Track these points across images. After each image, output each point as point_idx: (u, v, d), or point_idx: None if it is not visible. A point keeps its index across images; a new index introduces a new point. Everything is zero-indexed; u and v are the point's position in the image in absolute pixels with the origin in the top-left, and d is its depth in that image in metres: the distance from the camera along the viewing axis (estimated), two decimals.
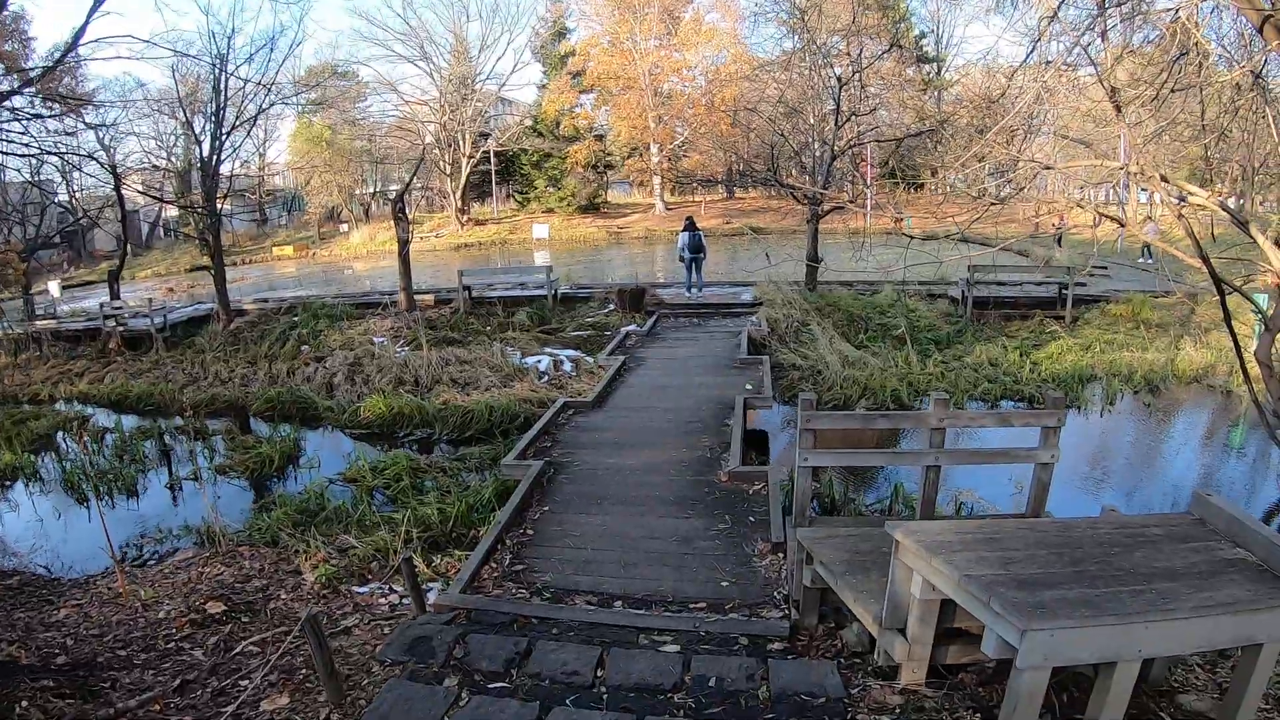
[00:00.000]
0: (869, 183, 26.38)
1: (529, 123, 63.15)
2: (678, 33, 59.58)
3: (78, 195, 50.39)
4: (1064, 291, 18.90)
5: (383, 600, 7.43)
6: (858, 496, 9.26)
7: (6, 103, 13.69)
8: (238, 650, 6.48)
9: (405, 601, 7.01)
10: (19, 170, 37.69)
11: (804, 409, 6.26)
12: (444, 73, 60.66)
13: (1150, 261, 27.49)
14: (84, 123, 38.52)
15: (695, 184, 63.97)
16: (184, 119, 26.20)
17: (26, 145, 15.58)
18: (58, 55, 14.47)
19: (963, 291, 19.12)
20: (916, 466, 7.05)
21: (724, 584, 6.62)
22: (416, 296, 23.15)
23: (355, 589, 7.72)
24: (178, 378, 18.43)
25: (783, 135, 19.61)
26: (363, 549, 8.32)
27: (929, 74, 60.83)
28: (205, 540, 9.44)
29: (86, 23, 11.60)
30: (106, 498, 11.87)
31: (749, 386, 12.69)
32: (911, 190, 56.56)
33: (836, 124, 18.72)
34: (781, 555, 6.90)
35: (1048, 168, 8.63)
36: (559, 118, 60.46)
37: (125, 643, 6.99)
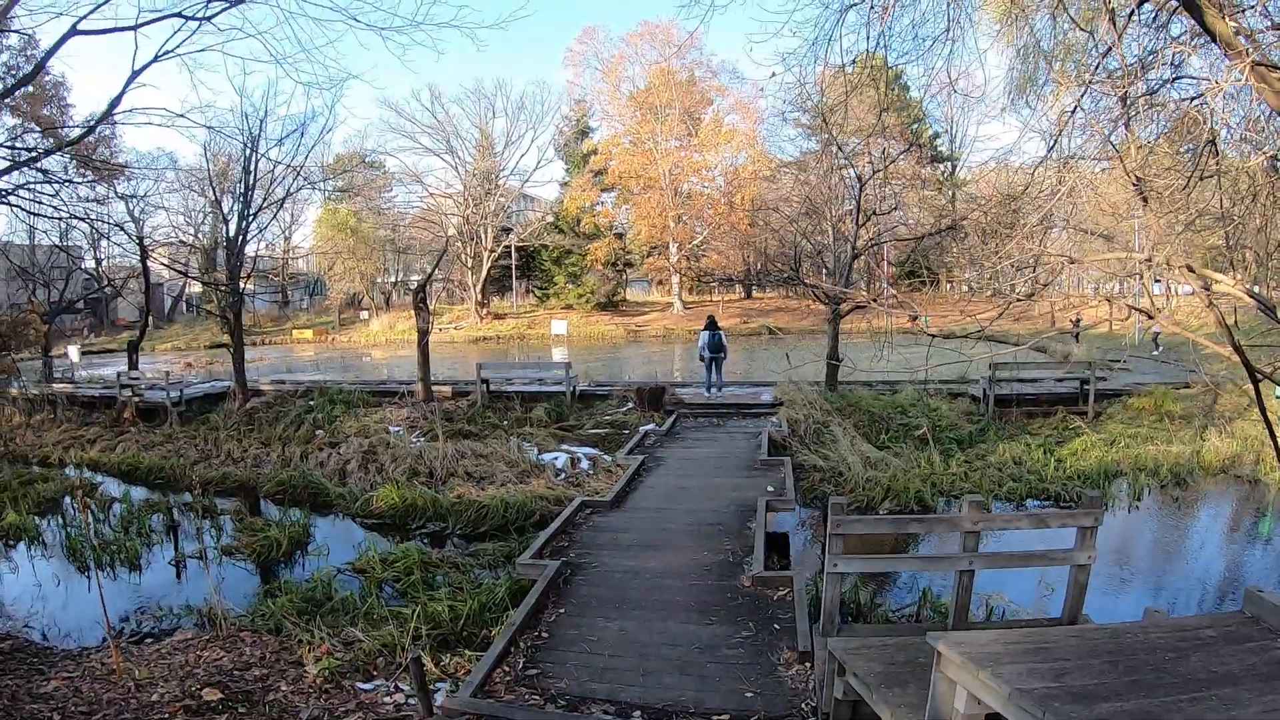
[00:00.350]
0: (888, 282, 26.41)
1: (550, 219, 64.10)
2: (698, 134, 60.62)
3: (104, 264, 51.14)
4: (1085, 387, 18.75)
5: (387, 699, 7.14)
6: (884, 601, 8.95)
7: (40, 165, 13.87)
8: None
9: (411, 702, 6.72)
10: (47, 233, 38.34)
11: (834, 514, 6.05)
12: (469, 167, 61.90)
13: (1161, 352, 27.74)
14: (115, 193, 39.31)
15: (714, 283, 64.44)
16: (213, 197, 26.51)
17: (56, 209, 15.71)
18: (93, 121, 14.54)
19: (984, 389, 18.89)
20: (950, 572, 6.78)
21: (748, 695, 6.31)
22: (434, 388, 23.04)
23: (359, 685, 7.45)
24: (190, 453, 18.39)
25: (804, 235, 19.62)
26: (369, 643, 8.06)
27: (944, 173, 61.65)
28: (206, 622, 9.27)
29: (123, 91, 11.71)
30: (108, 568, 11.72)
31: (770, 488, 12.42)
32: (928, 289, 56.86)
33: (857, 223, 18.77)
34: (808, 665, 6.60)
35: (1072, 260, 8.49)
36: (580, 215, 61.34)
37: None
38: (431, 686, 7.25)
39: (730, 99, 63.47)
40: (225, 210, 25.06)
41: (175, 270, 50.70)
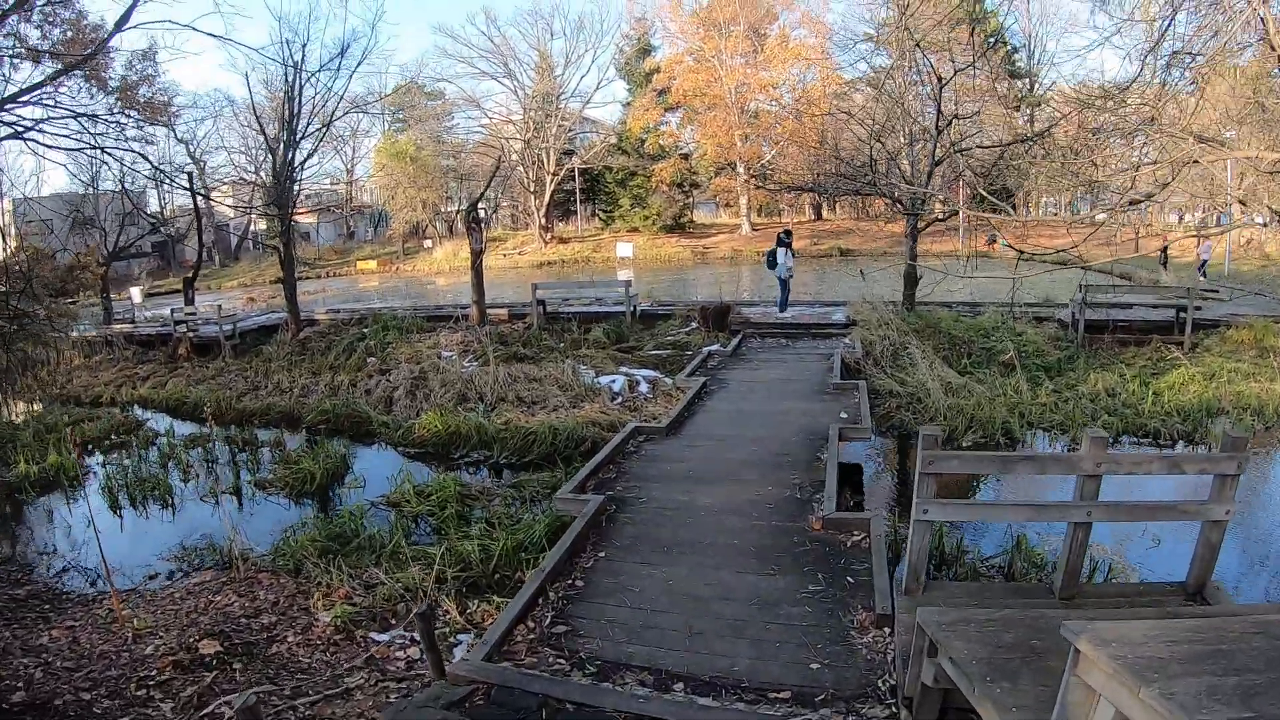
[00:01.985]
0: (961, 203, 24.75)
1: (613, 140, 62.50)
2: (764, 49, 58.30)
3: (168, 208, 51.32)
4: (1182, 315, 17.06)
5: (400, 654, 6.33)
6: (968, 547, 7.77)
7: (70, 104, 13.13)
8: (209, 710, 5.42)
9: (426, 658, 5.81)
10: (104, 179, 38.46)
11: (925, 448, 4.91)
12: (528, 90, 60.46)
13: (1206, 280, 26.11)
14: (175, 134, 39.44)
15: (782, 204, 62.26)
16: (257, 127, 25.71)
17: (95, 146, 15.13)
18: (106, 36, 13.70)
19: (1073, 314, 17.39)
20: (1062, 523, 5.60)
21: (814, 666, 5.24)
22: (490, 310, 22.25)
23: (374, 635, 6.68)
24: (238, 385, 18.00)
25: (880, 140, 18.05)
26: (389, 587, 7.22)
27: (1022, 90, 58.51)
28: (227, 563, 8.60)
29: (133, 5, 10.63)
30: (140, 507, 11.29)
31: (843, 415, 11.21)
32: (1003, 214, 54.35)
33: (936, 127, 17.18)
34: (887, 631, 5.51)
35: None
36: (644, 135, 59.72)
37: (95, 682, 6.23)
38: (452, 639, 6.40)
39: (797, 13, 60.78)
40: (271, 140, 24.24)
41: (227, 206, 50.97)
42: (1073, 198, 57.97)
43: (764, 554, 6.82)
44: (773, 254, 20.04)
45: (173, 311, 24.27)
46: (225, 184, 50.22)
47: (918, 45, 17.21)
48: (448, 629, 6.55)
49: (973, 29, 47.43)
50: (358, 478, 11.59)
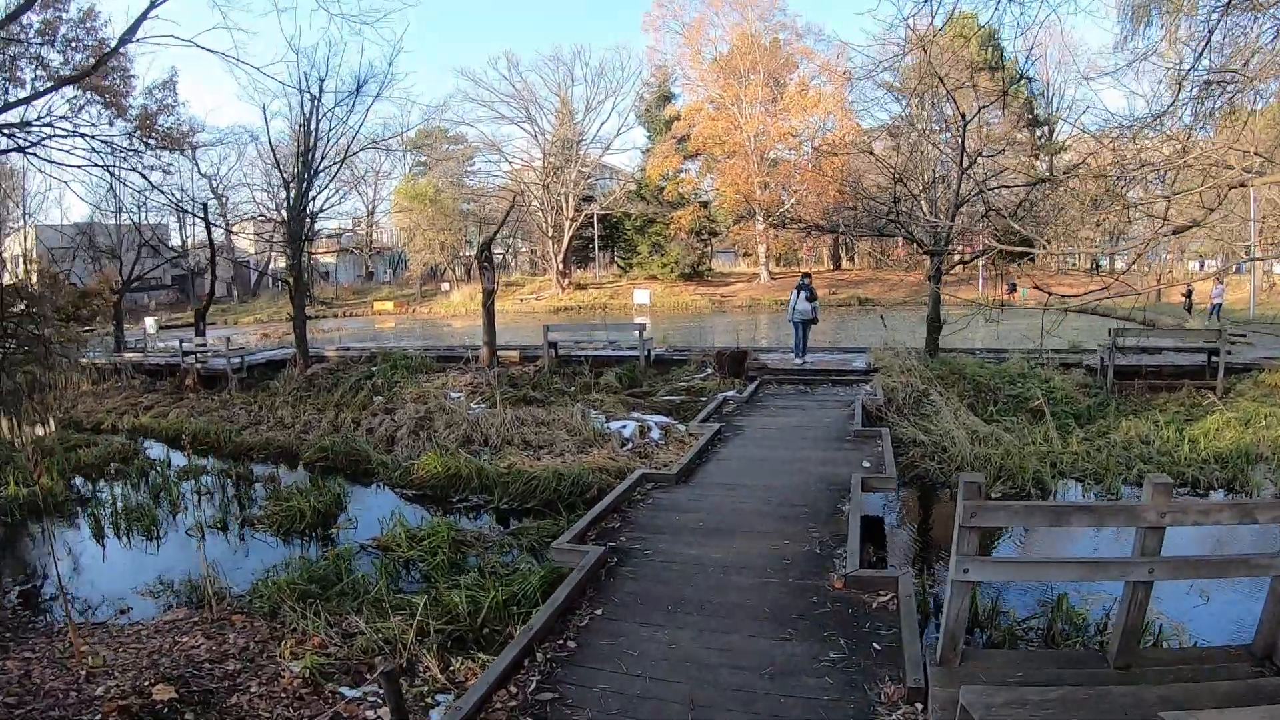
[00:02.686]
0: (981, 250, 24.31)
1: (632, 187, 62.61)
2: (783, 98, 58.38)
3: (189, 241, 51.56)
4: (1214, 359, 16.65)
5: (369, 714, 5.72)
6: (1008, 608, 7.06)
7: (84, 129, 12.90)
8: None
9: None
10: (128, 213, 38.83)
11: (967, 497, 4.29)
12: (548, 135, 60.72)
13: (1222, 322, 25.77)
14: (199, 169, 39.58)
15: (806, 233, 61.63)
16: (273, 159, 25.55)
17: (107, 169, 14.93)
18: (106, 51, 13.51)
19: (1102, 360, 16.98)
20: (1119, 582, 4.95)
21: None
22: (501, 352, 21.78)
23: (343, 691, 6.05)
24: (240, 418, 17.63)
25: (902, 181, 17.54)
26: (368, 638, 6.58)
27: (1040, 138, 58.20)
28: (202, 601, 8.00)
29: (141, 17, 10.31)
30: (125, 537, 10.84)
31: (866, 464, 10.58)
32: (1018, 263, 53.90)
33: (960, 165, 16.65)
34: (920, 708, 4.81)
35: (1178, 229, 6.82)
36: (663, 182, 59.85)
37: None
38: (430, 700, 5.76)
39: (816, 62, 61.05)
40: (287, 177, 24.10)
41: (244, 239, 50.93)
42: (1092, 247, 57.56)
43: (779, 615, 6.13)
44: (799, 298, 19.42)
45: (181, 342, 24.09)
46: (246, 220, 50.34)
47: (941, 81, 16.68)
48: (426, 688, 5.91)
49: (992, 74, 47.37)
50: (351, 518, 10.99)
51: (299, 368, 22.28)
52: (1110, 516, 4.94)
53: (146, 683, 6.04)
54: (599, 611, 6.26)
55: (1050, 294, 9.78)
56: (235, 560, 9.65)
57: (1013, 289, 50.39)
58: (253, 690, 6.14)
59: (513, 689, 5.17)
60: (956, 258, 17.19)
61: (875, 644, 5.65)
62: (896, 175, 17.58)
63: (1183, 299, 35.49)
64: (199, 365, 22.63)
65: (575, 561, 7.05)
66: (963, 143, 16.64)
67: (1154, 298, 38.76)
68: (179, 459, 14.91)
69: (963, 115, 16.51)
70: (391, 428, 15.23)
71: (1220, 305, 32.69)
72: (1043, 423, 13.38)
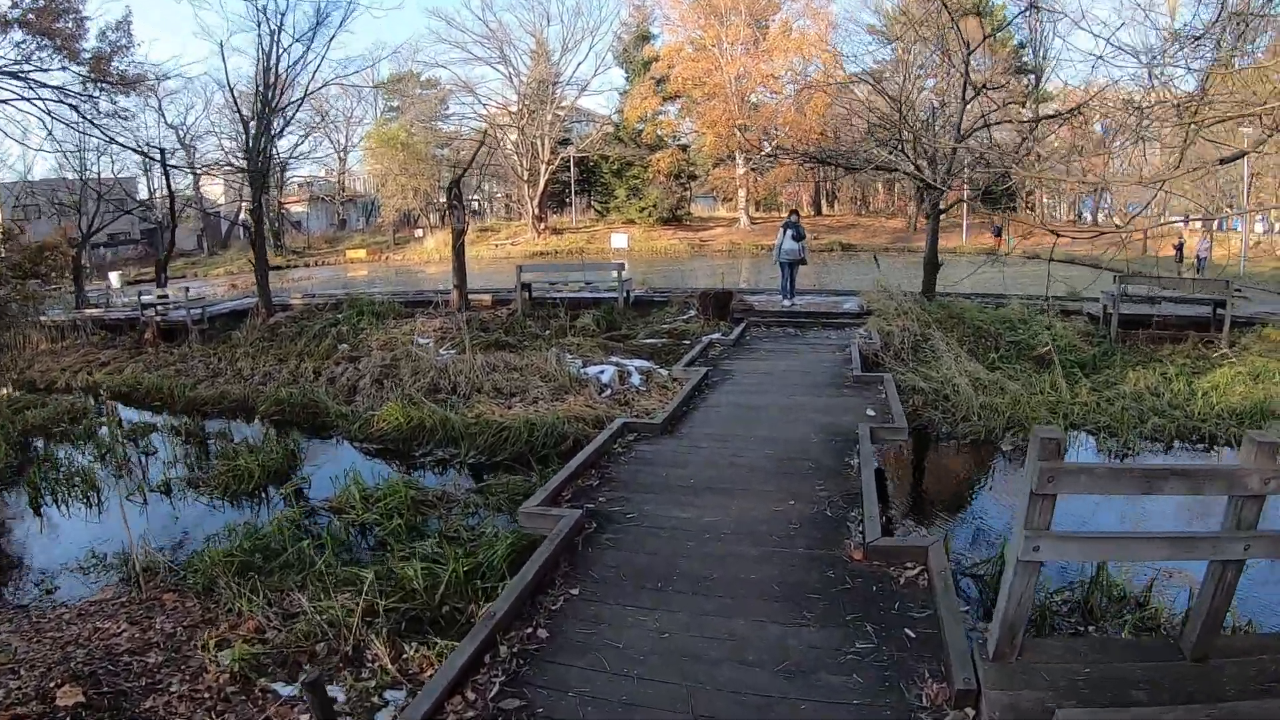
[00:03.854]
0: (968, 194, 23.45)
1: (609, 129, 61.19)
2: (766, 39, 56.97)
3: (157, 194, 50.12)
4: (1219, 312, 15.97)
5: (304, 718, 4.73)
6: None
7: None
8: None
9: None
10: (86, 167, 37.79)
11: (1043, 458, 3.38)
12: (523, 76, 59.08)
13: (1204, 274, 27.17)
14: (164, 117, 38.18)
15: (799, 163, 60.59)
16: (231, 99, 24.23)
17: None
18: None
19: (1105, 308, 16.35)
20: (1208, 560, 4.07)
21: None
22: (473, 296, 20.77)
23: (276, 687, 5.11)
24: (197, 371, 16.52)
25: (900, 111, 16.56)
26: (309, 620, 5.61)
27: (1028, 85, 57.12)
28: (133, 578, 7.01)
29: None
30: (64, 507, 9.72)
31: (870, 412, 9.64)
32: (1001, 210, 53.50)
33: (963, 99, 15.66)
34: (971, 714, 3.90)
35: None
36: (641, 125, 58.49)
37: None
38: (377, 699, 4.84)
39: (800, 3, 59.39)
40: (246, 114, 22.79)
41: (213, 189, 49.25)
42: (1077, 200, 56.96)
43: (790, 594, 5.16)
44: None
45: (140, 295, 23.15)
46: (211, 168, 48.86)
47: (945, 6, 15.58)
48: (374, 682, 4.97)
49: (979, 19, 46.18)
50: (305, 476, 9.95)
51: (261, 317, 21.19)
52: (1208, 482, 4.02)
53: (53, 683, 5.12)
54: (575, 590, 5.27)
55: (1059, 235, 9.14)
56: (176, 528, 8.68)
57: (998, 233, 49.90)
58: (173, 689, 5.20)
59: (470, 695, 4.17)
60: (951, 199, 16.21)
61: (909, 630, 4.70)
62: (900, 103, 16.57)
63: (1174, 251, 35.08)
64: (159, 318, 21.59)
65: (547, 528, 6.08)
66: (966, 72, 15.63)
67: (1142, 249, 38.62)
68: (133, 415, 14.16)
69: (966, 44, 15.50)
70: (355, 377, 14.22)
71: (1205, 260, 32.26)
72: (1048, 371, 12.70)
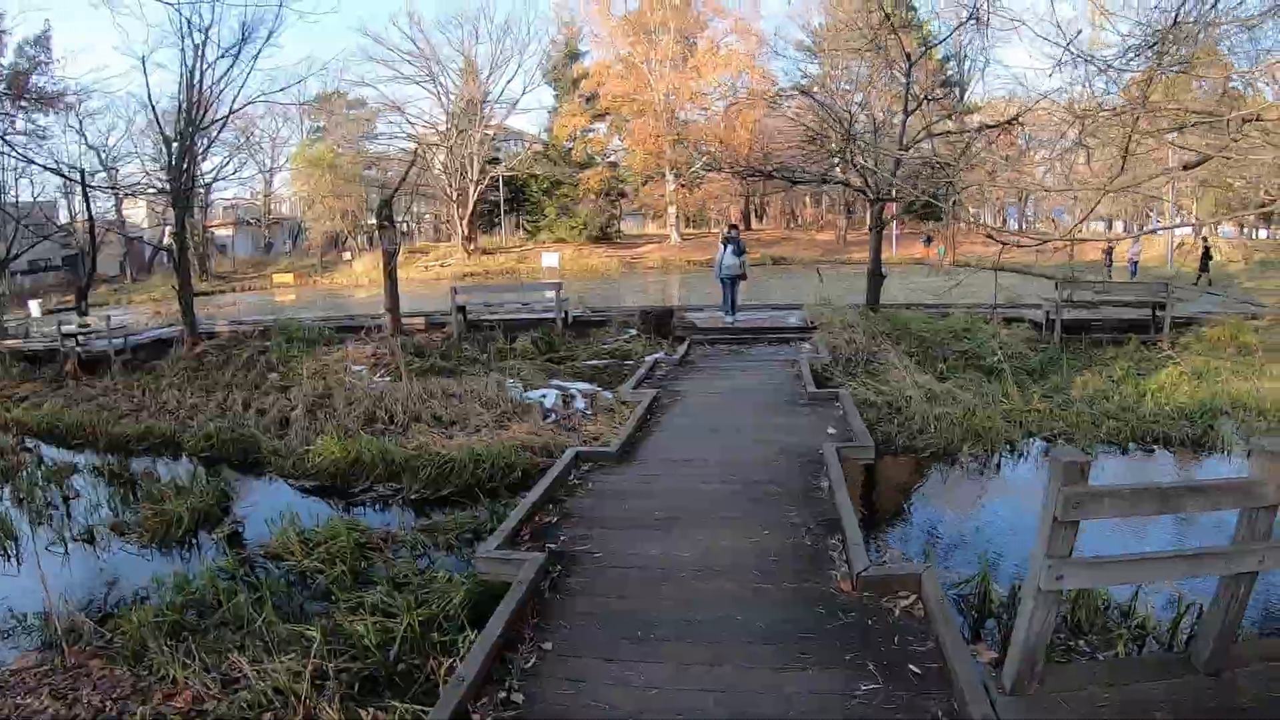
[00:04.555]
0: (895, 214, 23.61)
1: (539, 147, 60.91)
2: (694, 56, 57.22)
3: (78, 218, 48.66)
4: (1159, 314, 16.55)
5: None
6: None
7: None
8: None
9: None
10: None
11: (1066, 482, 3.10)
12: (451, 95, 58.49)
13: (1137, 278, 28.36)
14: (85, 138, 36.96)
15: (742, 178, 60.86)
16: (152, 115, 23.30)
17: None
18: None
19: (1047, 314, 16.71)
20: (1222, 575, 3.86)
21: None
22: (406, 320, 20.11)
23: None
24: (120, 405, 15.68)
25: (842, 120, 16.50)
26: (252, 689, 5.07)
27: (954, 99, 58.22)
28: (55, 642, 6.35)
29: None
30: None
31: (831, 430, 9.36)
32: (929, 222, 54.33)
33: (905, 110, 15.63)
34: None
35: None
36: (570, 142, 58.32)
37: None
38: None
39: (728, 20, 59.82)
40: (168, 132, 21.92)
41: (135, 211, 47.73)
42: (1002, 207, 58.12)
43: (782, 635, 4.77)
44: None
45: (60, 324, 21.91)
46: (134, 189, 47.37)
47: (888, 18, 15.53)
48: None
49: (906, 34, 46.74)
50: (238, 519, 9.33)
51: (186, 346, 20.33)
52: (1224, 496, 3.80)
53: None
54: (548, 645, 4.80)
55: (1004, 243, 9.33)
56: (101, 581, 7.93)
57: (928, 242, 50.57)
58: None
59: None
60: (891, 211, 16.22)
61: (913, 666, 4.35)
62: (848, 116, 16.50)
63: (1104, 256, 35.75)
64: (80, 349, 20.48)
65: (510, 574, 5.60)
66: (908, 83, 15.61)
67: (1069, 256, 39.51)
68: (55, 455, 13.29)
69: (908, 56, 15.50)
70: (286, 408, 13.58)
71: (1137, 264, 33.09)
72: (997, 380, 12.81)
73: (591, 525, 6.77)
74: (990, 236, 12.69)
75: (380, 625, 5.54)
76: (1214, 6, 6.77)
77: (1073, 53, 7.00)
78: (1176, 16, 6.73)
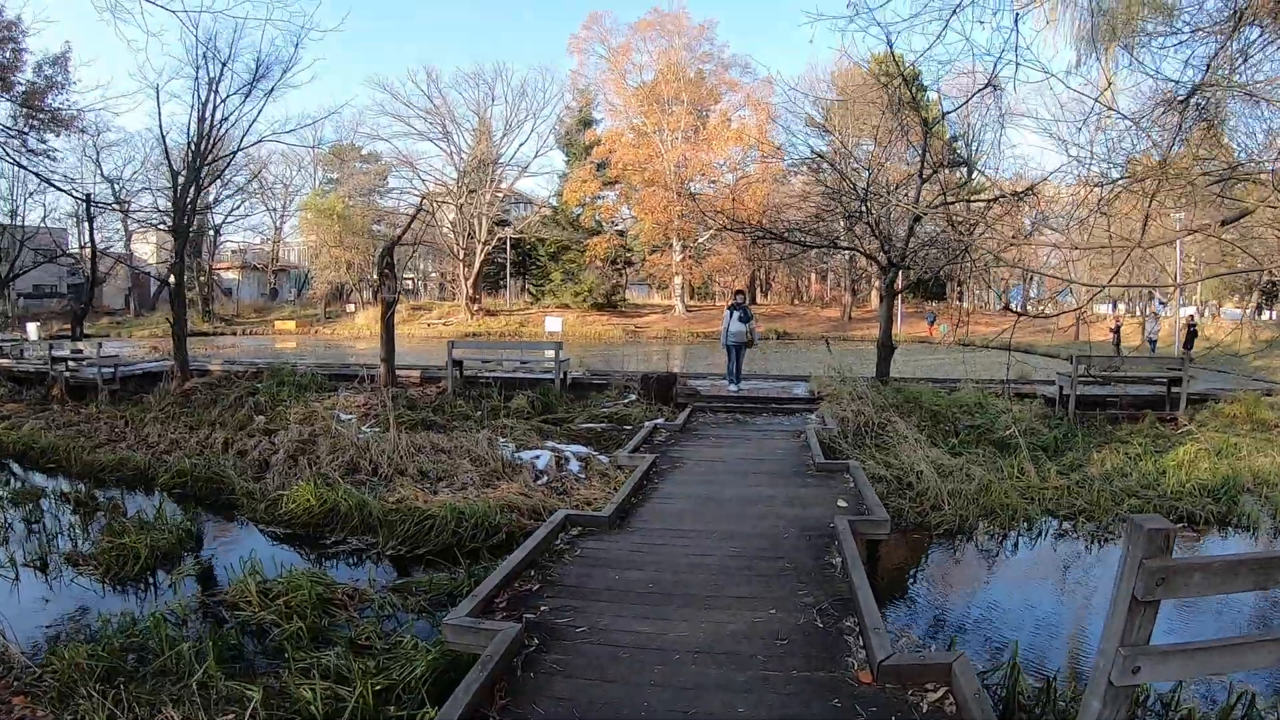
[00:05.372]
0: (906, 284, 23.34)
1: (547, 211, 61.14)
2: (706, 128, 57.61)
3: (86, 249, 49.02)
4: (1174, 390, 16.30)
5: None
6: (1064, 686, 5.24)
7: None
8: None
9: None
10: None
11: (1149, 554, 2.51)
12: (464, 154, 58.81)
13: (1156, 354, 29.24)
14: (102, 174, 37.16)
15: (756, 240, 60.88)
16: (161, 144, 23.01)
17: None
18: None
19: (1061, 389, 16.30)
20: None
21: None
22: (402, 372, 19.61)
23: None
24: (101, 434, 15.29)
25: (856, 185, 16.19)
26: None
27: (961, 178, 58.48)
28: None
29: None
30: None
31: (842, 503, 8.74)
32: (934, 302, 54.29)
33: (920, 176, 15.30)
34: None
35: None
36: (580, 207, 58.63)
37: None
38: None
39: (741, 94, 60.53)
40: (176, 165, 21.60)
41: (145, 246, 47.51)
42: (1007, 288, 58.16)
43: None
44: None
45: (51, 348, 21.65)
46: (137, 214, 47.41)
47: (907, 81, 15.19)
48: None
49: (915, 112, 46.99)
50: (201, 561, 8.69)
51: (176, 381, 19.78)
52: None
53: None
54: None
55: (1020, 315, 8.86)
56: (45, 613, 7.34)
57: (933, 320, 50.46)
58: None
59: None
60: (915, 274, 15.87)
61: None
62: (865, 185, 16.13)
63: (1111, 334, 35.66)
64: (68, 374, 20.31)
65: (479, 646, 4.91)
66: (923, 153, 15.26)
67: (1074, 335, 39.34)
68: (25, 476, 13.08)
69: (924, 121, 15.13)
70: (268, 451, 12.95)
71: (1155, 342, 33.17)
72: (1013, 455, 12.20)
73: (577, 596, 6.08)
74: (1007, 308, 12.33)
75: (331, 692, 4.92)
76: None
77: (1101, 106, 6.68)
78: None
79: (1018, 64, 6.26)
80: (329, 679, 5.09)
